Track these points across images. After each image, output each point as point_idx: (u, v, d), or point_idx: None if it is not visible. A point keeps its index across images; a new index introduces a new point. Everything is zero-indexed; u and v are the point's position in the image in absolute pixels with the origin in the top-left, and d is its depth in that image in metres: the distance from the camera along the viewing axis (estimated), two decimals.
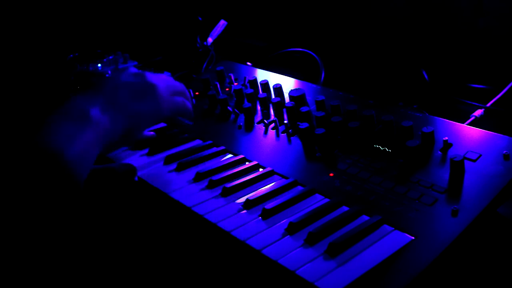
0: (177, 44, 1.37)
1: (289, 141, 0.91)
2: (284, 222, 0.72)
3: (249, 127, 0.98)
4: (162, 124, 1.06)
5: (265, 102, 1.01)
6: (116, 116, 0.75)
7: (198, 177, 0.85)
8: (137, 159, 0.93)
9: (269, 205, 0.75)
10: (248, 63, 1.23)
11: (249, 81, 1.07)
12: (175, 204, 0.80)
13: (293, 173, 0.84)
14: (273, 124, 0.96)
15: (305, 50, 1.28)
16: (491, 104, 1.01)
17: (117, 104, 0.76)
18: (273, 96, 1.04)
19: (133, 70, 0.84)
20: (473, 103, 1.06)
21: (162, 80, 0.84)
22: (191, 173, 0.86)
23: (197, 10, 1.42)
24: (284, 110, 0.98)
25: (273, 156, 0.89)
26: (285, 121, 0.95)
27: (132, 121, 0.78)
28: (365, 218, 0.72)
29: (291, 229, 0.70)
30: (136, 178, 0.87)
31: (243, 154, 0.90)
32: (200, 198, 0.80)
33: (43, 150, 0.65)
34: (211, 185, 0.82)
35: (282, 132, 0.93)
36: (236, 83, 1.11)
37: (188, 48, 1.31)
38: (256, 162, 0.88)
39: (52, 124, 0.68)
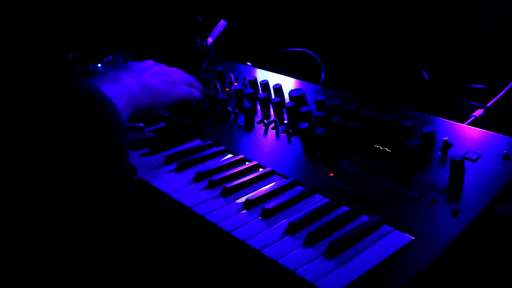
0: (177, 44, 1.37)
1: (289, 141, 0.91)
2: (284, 222, 0.72)
3: (249, 127, 0.98)
4: (162, 124, 1.06)
5: (265, 102, 1.01)
6: (141, 89, 0.89)
7: (198, 177, 0.85)
8: (137, 159, 0.93)
9: (269, 205, 0.75)
10: (248, 63, 1.23)
11: (249, 81, 1.07)
12: (175, 204, 0.80)
13: (293, 173, 0.84)
14: (273, 124, 0.96)
15: (305, 50, 1.28)
16: (491, 104, 1.01)
17: (142, 80, 0.90)
18: (273, 96, 1.04)
19: (151, 61, 1.00)
20: (473, 103, 1.06)
21: (176, 71, 1.01)
22: (191, 173, 0.86)
23: (197, 10, 1.42)
24: (284, 110, 0.98)
25: (273, 156, 0.89)
26: (285, 121, 0.95)
27: (152, 97, 0.91)
28: (365, 218, 0.72)
29: (291, 229, 0.70)
30: (136, 178, 0.87)
31: (243, 154, 0.90)
32: (200, 198, 0.80)
33: (100, 95, 0.70)
34: (211, 185, 0.82)
35: (282, 132, 0.93)
36: (236, 83, 1.11)
37: (188, 48, 1.30)
38: (256, 162, 0.88)
39: (97, 83, 0.78)
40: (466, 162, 0.75)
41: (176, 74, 0.99)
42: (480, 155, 0.75)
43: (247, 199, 0.77)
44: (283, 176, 0.84)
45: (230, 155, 0.92)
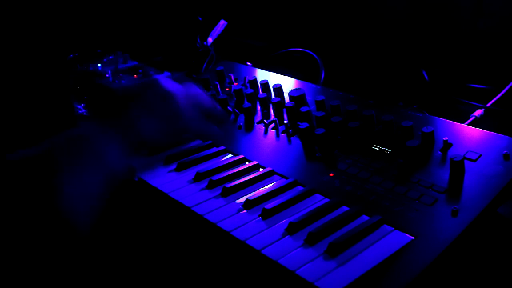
0: (177, 44, 1.37)
1: (289, 141, 0.91)
2: (284, 222, 0.72)
3: (249, 127, 0.98)
4: None
5: (265, 102, 1.01)
6: (132, 155, 0.67)
7: (198, 177, 0.85)
8: (136, 159, 0.93)
9: (269, 205, 0.75)
10: (248, 63, 1.23)
11: (249, 81, 1.07)
12: (175, 204, 0.80)
13: (293, 173, 0.84)
14: (273, 124, 0.96)
15: (305, 50, 1.28)
16: (491, 104, 1.01)
17: (136, 140, 0.67)
18: (273, 96, 1.04)
19: (164, 78, 0.74)
20: (473, 103, 1.06)
21: (190, 107, 0.72)
22: (191, 173, 0.86)
23: (197, 10, 1.42)
24: (284, 110, 0.98)
25: (273, 156, 0.89)
26: (285, 121, 0.95)
27: (149, 145, 0.77)
28: (365, 218, 0.72)
29: (291, 229, 0.70)
30: (136, 178, 0.87)
31: (243, 154, 0.90)
32: (200, 198, 0.80)
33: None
34: (211, 185, 0.82)
35: (282, 132, 0.93)
36: (236, 83, 1.11)
37: (188, 48, 1.31)
38: (256, 162, 0.88)
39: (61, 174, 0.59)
40: (466, 162, 0.75)
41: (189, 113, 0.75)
42: (480, 155, 0.75)
43: (247, 199, 0.77)
44: (283, 176, 0.84)
45: (230, 155, 0.92)
